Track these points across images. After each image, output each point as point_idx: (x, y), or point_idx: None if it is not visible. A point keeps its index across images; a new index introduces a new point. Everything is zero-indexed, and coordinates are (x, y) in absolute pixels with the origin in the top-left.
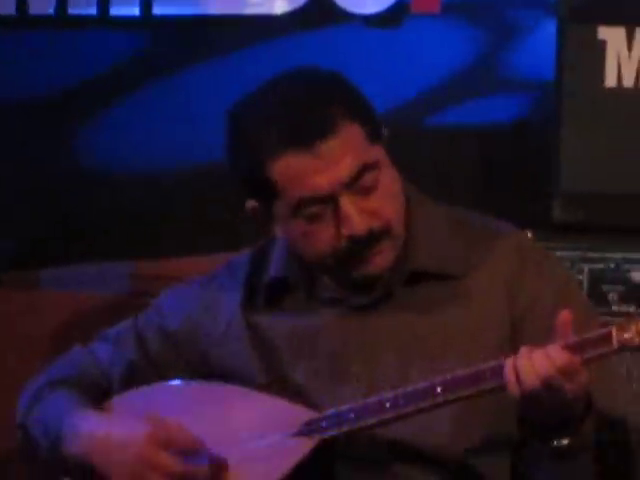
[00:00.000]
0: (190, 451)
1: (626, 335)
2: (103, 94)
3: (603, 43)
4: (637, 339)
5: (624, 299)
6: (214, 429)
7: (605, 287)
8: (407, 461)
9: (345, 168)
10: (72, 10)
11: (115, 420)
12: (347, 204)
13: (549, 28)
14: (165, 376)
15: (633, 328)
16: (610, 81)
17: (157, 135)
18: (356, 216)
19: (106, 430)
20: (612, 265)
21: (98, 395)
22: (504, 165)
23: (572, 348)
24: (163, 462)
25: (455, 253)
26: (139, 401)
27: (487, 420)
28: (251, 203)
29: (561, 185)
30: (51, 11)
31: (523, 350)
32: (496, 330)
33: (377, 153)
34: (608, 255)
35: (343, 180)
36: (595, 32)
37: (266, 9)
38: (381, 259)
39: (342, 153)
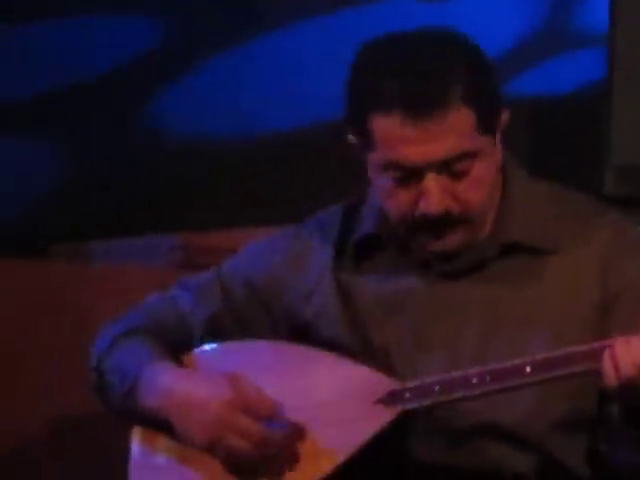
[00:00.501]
0: (269, 418)
1: None
2: (161, 68)
3: None
4: None
5: None
6: (295, 392)
7: None
8: (485, 436)
9: (441, 150)
10: None
11: (196, 378)
12: (431, 181)
13: None
14: (248, 329)
15: None
16: None
17: (210, 108)
18: (437, 195)
19: (187, 387)
20: None
21: (177, 346)
22: (558, 136)
23: None
24: (242, 425)
25: (550, 228)
26: (221, 358)
27: (568, 399)
28: (352, 138)
29: (613, 157)
30: None
31: (620, 339)
32: (582, 309)
33: (482, 143)
34: None
35: (435, 160)
36: None
37: None
38: (454, 239)
39: (443, 134)
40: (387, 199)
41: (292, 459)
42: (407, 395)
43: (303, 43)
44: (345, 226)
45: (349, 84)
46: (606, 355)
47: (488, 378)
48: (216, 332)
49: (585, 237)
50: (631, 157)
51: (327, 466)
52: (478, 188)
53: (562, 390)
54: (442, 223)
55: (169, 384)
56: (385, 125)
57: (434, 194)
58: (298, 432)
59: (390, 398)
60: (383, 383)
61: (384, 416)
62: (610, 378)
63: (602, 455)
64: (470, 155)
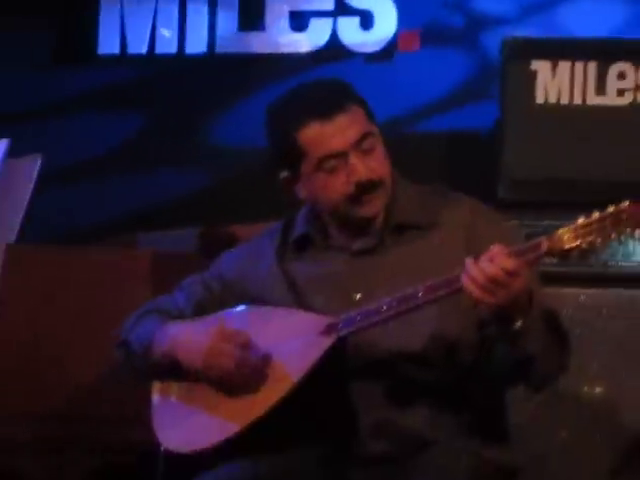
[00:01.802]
0: (245, 345)
1: (551, 242)
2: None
3: (534, 72)
4: (560, 245)
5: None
6: (260, 334)
7: None
8: (403, 361)
9: (353, 133)
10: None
11: (194, 324)
12: (354, 158)
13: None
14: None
15: (558, 237)
16: (539, 99)
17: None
18: (361, 166)
19: (188, 330)
20: (540, 230)
21: None
22: (466, 160)
23: (513, 254)
24: (227, 349)
25: (424, 211)
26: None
27: (458, 329)
28: (283, 174)
29: (504, 173)
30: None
31: (468, 260)
32: (457, 266)
33: (374, 128)
34: (538, 223)
35: (352, 141)
36: (529, 64)
37: (294, 49)
38: (375, 204)
39: (351, 123)
40: (325, 191)
41: (262, 380)
42: (340, 326)
43: None
44: (285, 231)
45: (270, 128)
46: (463, 275)
47: (394, 303)
48: (203, 315)
49: (451, 215)
50: (517, 172)
51: (291, 381)
52: (382, 161)
53: (452, 323)
54: (368, 189)
55: (176, 331)
56: (310, 133)
57: (359, 165)
58: (265, 360)
59: (328, 329)
60: (323, 320)
61: (326, 342)
62: (471, 289)
63: (484, 359)
64: (371, 134)
